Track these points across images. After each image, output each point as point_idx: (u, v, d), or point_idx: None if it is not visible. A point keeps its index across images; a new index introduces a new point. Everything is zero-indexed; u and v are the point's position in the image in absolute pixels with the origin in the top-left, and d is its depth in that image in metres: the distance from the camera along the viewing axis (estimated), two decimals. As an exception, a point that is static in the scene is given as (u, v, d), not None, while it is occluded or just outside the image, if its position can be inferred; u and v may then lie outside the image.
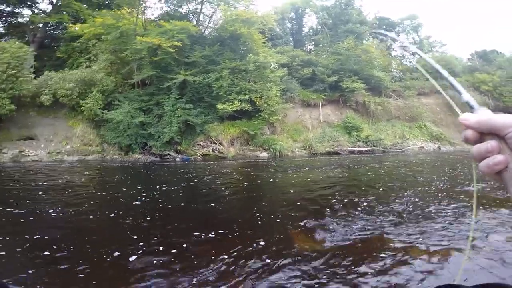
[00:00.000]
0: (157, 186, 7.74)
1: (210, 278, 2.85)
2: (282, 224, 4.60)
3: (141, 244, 3.69)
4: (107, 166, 13.46)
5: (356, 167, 11.82)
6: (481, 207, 4.87)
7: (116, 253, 3.39)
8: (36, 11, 21.58)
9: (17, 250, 3.56)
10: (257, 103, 17.81)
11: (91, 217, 5.02)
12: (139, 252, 3.43)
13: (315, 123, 21.70)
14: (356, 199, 5.99)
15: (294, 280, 2.78)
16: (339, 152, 18.75)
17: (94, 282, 2.80)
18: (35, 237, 3.90)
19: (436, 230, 4.01)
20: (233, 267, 3.06)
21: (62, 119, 17.03)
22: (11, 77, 14.82)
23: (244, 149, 17.59)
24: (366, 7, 52.40)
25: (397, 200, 5.82)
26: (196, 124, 16.65)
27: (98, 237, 4.17)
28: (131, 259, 3.24)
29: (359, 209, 5.23)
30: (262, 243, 3.70)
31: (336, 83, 22.39)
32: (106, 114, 16.14)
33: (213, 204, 5.95)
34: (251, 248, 3.55)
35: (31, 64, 16.63)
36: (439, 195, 6.18)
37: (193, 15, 22.40)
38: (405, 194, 6.39)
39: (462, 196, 5.96)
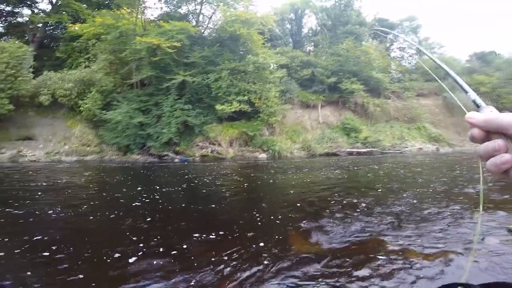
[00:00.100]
0: (157, 187, 7.73)
1: (210, 279, 2.86)
2: (282, 225, 4.61)
3: (141, 245, 3.70)
4: (106, 166, 13.43)
5: (355, 168, 11.84)
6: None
7: (116, 254, 3.39)
8: (36, 10, 21.61)
9: (17, 250, 3.55)
10: (256, 104, 17.79)
11: (91, 218, 5.02)
12: (139, 253, 3.44)
13: (314, 124, 21.72)
14: (355, 200, 6.01)
15: (292, 282, 2.80)
16: (337, 153, 18.75)
17: (94, 283, 2.80)
18: (35, 238, 3.90)
19: (434, 232, 4.03)
20: (233, 269, 3.07)
21: (61, 119, 17.00)
22: (10, 76, 14.79)
23: (243, 150, 17.56)
24: (365, 8, 52.74)
25: (396, 202, 5.84)
26: (195, 125, 16.63)
27: (98, 238, 4.17)
28: (131, 260, 3.24)
29: (358, 210, 5.25)
30: (261, 244, 3.72)
31: (335, 84, 22.45)
32: (104, 114, 16.11)
33: (213, 205, 5.96)
34: (251, 250, 3.57)
35: (30, 64, 16.63)
36: (438, 196, 6.20)
37: (192, 15, 22.42)
38: (404, 195, 6.41)
39: (461, 197, 5.98)
